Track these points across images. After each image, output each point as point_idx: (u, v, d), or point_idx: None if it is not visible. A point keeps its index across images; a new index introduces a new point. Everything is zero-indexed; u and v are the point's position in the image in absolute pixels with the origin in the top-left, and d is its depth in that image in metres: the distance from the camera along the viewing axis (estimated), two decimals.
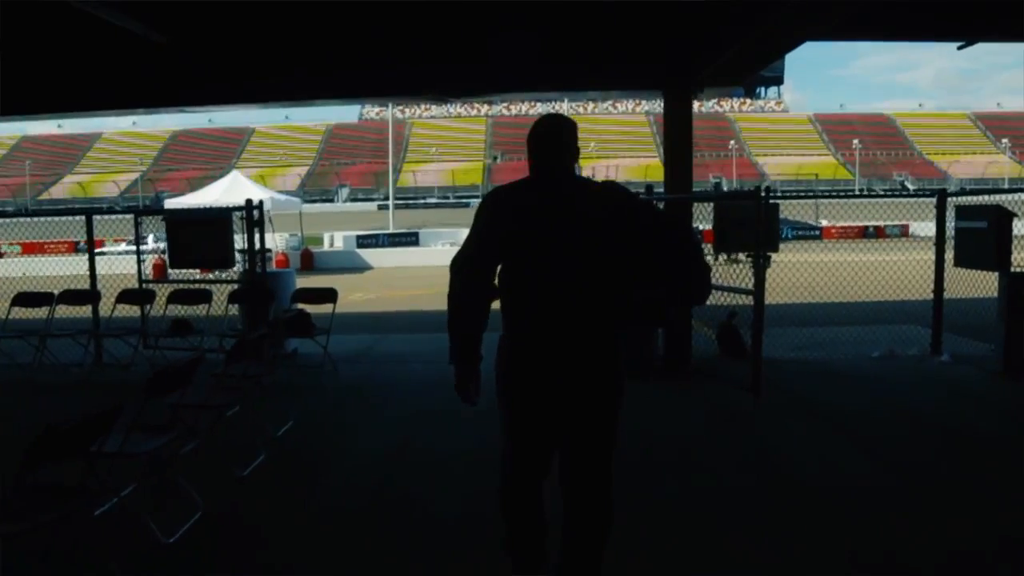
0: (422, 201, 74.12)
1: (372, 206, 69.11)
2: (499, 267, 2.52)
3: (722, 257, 6.71)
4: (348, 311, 12.22)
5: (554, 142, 2.56)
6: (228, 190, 21.12)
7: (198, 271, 8.69)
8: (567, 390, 2.49)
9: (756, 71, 6.53)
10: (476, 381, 2.60)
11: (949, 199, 7.37)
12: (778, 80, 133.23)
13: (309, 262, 23.15)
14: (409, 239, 29.70)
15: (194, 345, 6.86)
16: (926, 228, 11.23)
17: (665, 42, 6.33)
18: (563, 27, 6.17)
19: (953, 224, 7.05)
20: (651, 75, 6.52)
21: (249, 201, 7.42)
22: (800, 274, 10.09)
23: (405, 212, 50.39)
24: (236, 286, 7.63)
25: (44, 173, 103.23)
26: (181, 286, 7.67)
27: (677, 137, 6.48)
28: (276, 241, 21.83)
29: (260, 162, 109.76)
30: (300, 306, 7.24)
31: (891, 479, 4.19)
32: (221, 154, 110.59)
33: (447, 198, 75.00)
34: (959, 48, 7.53)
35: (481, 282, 2.52)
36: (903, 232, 30.84)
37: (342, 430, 5.37)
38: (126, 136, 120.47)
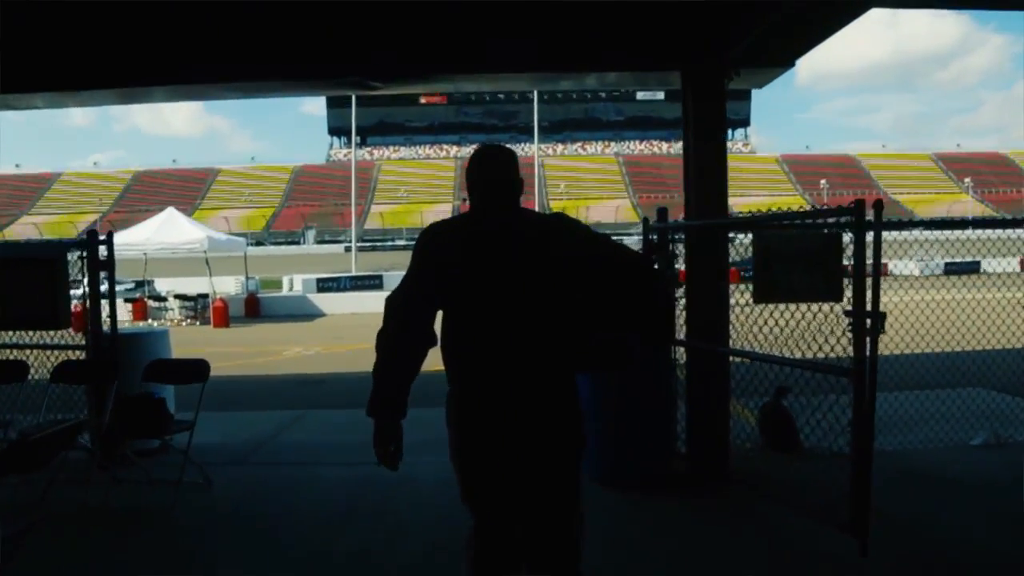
0: (390, 242, 72.28)
1: (339, 248, 67.35)
2: (440, 312, 2.31)
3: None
4: (272, 374, 10.13)
5: (500, 173, 2.37)
6: (160, 229, 18.85)
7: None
8: (524, 444, 2.27)
9: (810, 45, 4.59)
10: (398, 440, 2.34)
11: None
12: (744, 122, 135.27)
13: (255, 309, 20.80)
14: (373, 282, 27.70)
15: None
16: (996, 264, 9.32)
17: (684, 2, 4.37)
18: None
19: None
20: (664, 50, 4.57)
21: (93, 233, 5.24)
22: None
23: (372, 254, 48.40)
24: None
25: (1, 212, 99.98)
26: None
27: (704, 138, 4.51)
28: (213, 285, 19.49)
29: (225, 203, 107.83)
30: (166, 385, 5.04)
31: None
32: (185, 195, 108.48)
33: (415, 240, 73.32)
34: None
35: (418, 326, 2.30)
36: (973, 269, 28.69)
37: None
38: (87, 177, 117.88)
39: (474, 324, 2.26)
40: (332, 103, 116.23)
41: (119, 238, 19.87)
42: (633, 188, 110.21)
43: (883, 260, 3.76)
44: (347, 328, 15.81)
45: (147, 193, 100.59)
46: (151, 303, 20.07)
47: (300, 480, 4.91)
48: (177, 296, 20.46)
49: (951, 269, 23.73)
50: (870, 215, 3.36)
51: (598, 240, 2.36)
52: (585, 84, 6.04)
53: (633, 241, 44.20)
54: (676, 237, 4.85)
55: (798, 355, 4.05)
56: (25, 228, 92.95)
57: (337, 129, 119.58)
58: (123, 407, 4.37)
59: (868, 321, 3.30)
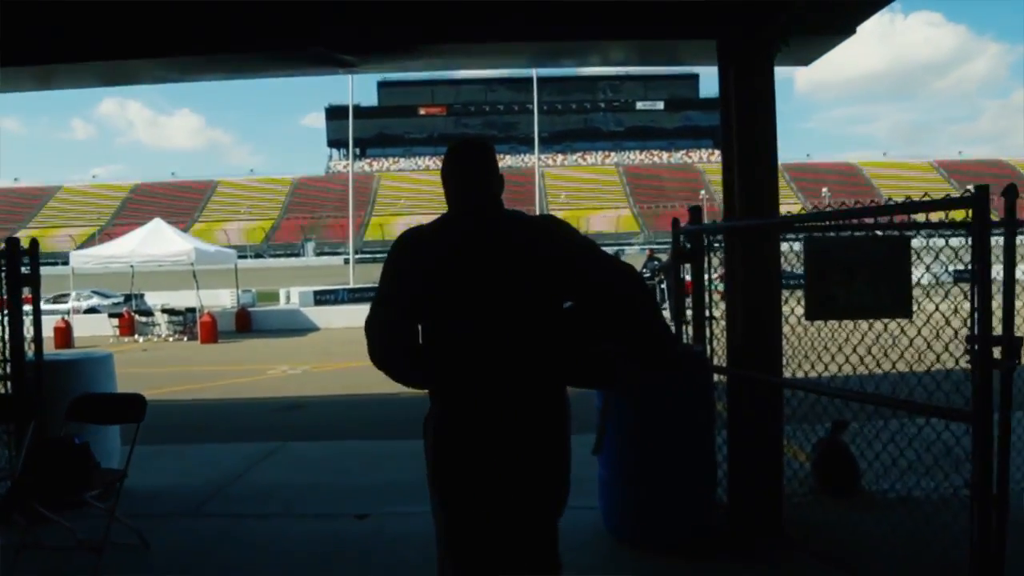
0: None
1: (339, 260, 66.74)
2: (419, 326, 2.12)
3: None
4: (252, 397, 9.30)
5: (479, 168, 2.19)
6: (145, 240, 18.04)
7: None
8: (512, 467, 2.06)
9: (875, 6, 3.77)
10: None
11: None
12: None
13: (245, 323, 19.93)
14: (370, 294, 26.39)
15: None
16: None
17: None
18: None
19: None
20: (696, 14, 3.75)
21: (12, 241, 4.40)
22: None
23: (372, 266, 47.60)
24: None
25: None
26: None
27: (750, 121, 3.68)
28: (200, 299, 18.67)
29: (224, 216, 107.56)
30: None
31: None
32: (184, 207, 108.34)
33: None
34: None
35: (405, 345, 2.09)
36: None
37: None
38: (84, 192, 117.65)
39: (454, 336, 2.07)
40: (331, 115, 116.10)
41: (102, 250, 19.14)
42: (634, 198, 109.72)
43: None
44: (339, 344, 14.96)
45: (146, 206, 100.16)
46: (138, 318, 19.21)
47: (261, 538, 4.06)
48: (165, 310, 19.62)
49: None
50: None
51: (588, 246, 2.14)
52: (608, 58, 5.21)
53: (634, 251, 43.24)
54: (715, 242, 4.03)
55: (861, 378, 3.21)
56: (24, 242, 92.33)
57: (336, 141, 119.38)
58: (36, 454, 3.52)
59: (997, 348, 2.46)
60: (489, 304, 2.03)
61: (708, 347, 4.03)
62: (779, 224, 3.72)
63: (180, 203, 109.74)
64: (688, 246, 4.08)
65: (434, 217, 2.24)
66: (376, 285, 2.17)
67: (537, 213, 2.90)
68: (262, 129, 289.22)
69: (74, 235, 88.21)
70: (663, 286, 15.44)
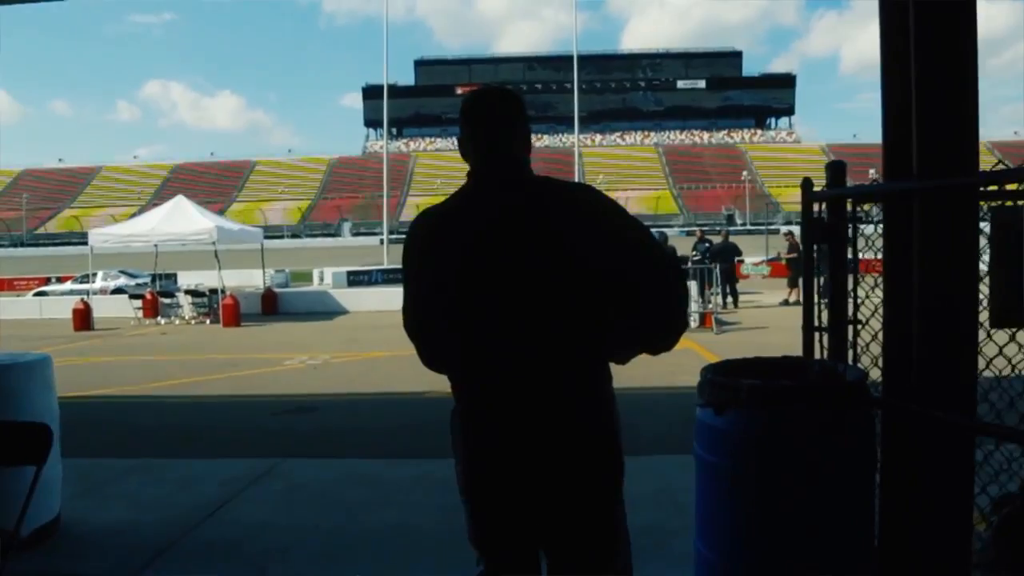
0: None
1: (375, 240, 66.39)
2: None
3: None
4: (260, 395, 8.18)
5: (500, 123, 1.84)
6: (167, 218, 17.21)
7: None
8: (549, 473, 1.75)
9: None
10: None
11: None
12: (789, 111, 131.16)
13: (272, 306, 19.05)
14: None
15: None
16: None
17: None
18: None
19: None
20: None
21: None
22: None
23: None
24: None
25: (43, 206, 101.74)
26: None
27: (942, 29, 2.40)
28: (222, 279, 17.80)
29: (263, 196, 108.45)
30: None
31: None
32: (223, 187, 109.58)
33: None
34: None
35: (448, 340, 1.82)
36: None
37: None
38: (125, 171, 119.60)
39: (488, 331, 1.77)
40: (368, 95, 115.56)
41: (123, 228, 18.38)
42: (673, 179, 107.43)
43: None
44: (365, 330, 13.94)
45: (186, 185, 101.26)
46: (161, 300, 18.46)
47: None
48: (188, 292, 18.84)
49: None
50: None
51: (629, 225, 1.78)
52: None
53: (673, 233, 41.56)
54: (863, 213, 2.78)
55: None
56: (67, 221, 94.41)
57: (373, 121, 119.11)
58: None
59: None
60: (522, 293, 1.74)
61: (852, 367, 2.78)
62: (986, 185, 2.43)
63: (220, 182, 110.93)
64: (824, 216, 2.82)
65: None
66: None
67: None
68: (301, 110, 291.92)
69: (116, 215, 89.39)
70: (718, 271, 14.06)
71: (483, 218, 1.78)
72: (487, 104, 1.88)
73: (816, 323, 2.87)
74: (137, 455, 5.52)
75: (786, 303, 16.13)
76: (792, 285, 16.41)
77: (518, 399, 1.76)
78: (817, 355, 2.87)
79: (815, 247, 2.89)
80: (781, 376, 2.66)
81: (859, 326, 2.83)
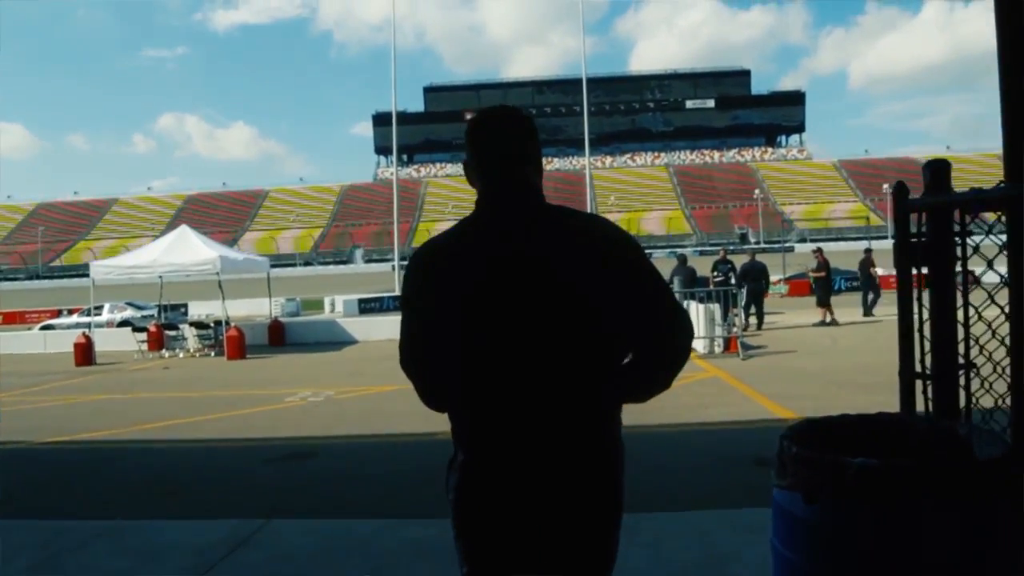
0: None
1: (387, 267, 66.24)
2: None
3: None
4: (255, 439, 7.50)
5: (507, 146, 1.72)
6: (170, 249, 16.76)
7: None
8: (550, 522, 1.64)
9: None
10: None
11: None
12: (800, 128, 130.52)
13: (279, 337, 18.50)
14: None
15: None
16: None
17: None
18: None
19: None
20: None
21: None
22: None
23: None
24: None
25: (59, 239, 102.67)
26: None
27: None
28: (226, 310, 17.27)
29: (275, 225, 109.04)
30: None
31: None
32: (235, 217, 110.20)
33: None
34: None
35: (448, 380, 1.71)
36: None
37: None
38: (141, 201, 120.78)
39: (492, 372, 1.65)
40: (378, 122, 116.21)
41: (125, 260, 17.95)
42: (685, 199, 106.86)
43: None
44: (373, 361, 13.33)
45: (198, 215, 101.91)
46: (166, 332, 17.97)
47: None
48: (193, 323, 18.35)
49: None
50: None
51: (646, 275, 1.65)
52: None
53: (688, 253, 41.04)
54: (974, 224, 2.16)
55: None
56: (81, 253, 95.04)
57: (384, 148, 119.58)
58: None
59: None
60: (528, 332, 1.62)
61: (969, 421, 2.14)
62: None
63: (233, 212, 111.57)
64: (924, 230, 2.20)
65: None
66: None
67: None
68: (313, 139, 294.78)
69: (129, 246, 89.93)
70: (744, 291, 13.38)
71: (487, 255, 1.66)
72: (493, 126, 1.74)
73: (919, 367, 2.23)
74: (109, 514, 4.93)
75: (823, 323, 15.34)
76: (822, 304, 15.65)
77: (523, 454, 1.64)
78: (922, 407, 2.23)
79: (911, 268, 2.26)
80: (879, 440, 2.02)
81: (972, 372, 2.20)
